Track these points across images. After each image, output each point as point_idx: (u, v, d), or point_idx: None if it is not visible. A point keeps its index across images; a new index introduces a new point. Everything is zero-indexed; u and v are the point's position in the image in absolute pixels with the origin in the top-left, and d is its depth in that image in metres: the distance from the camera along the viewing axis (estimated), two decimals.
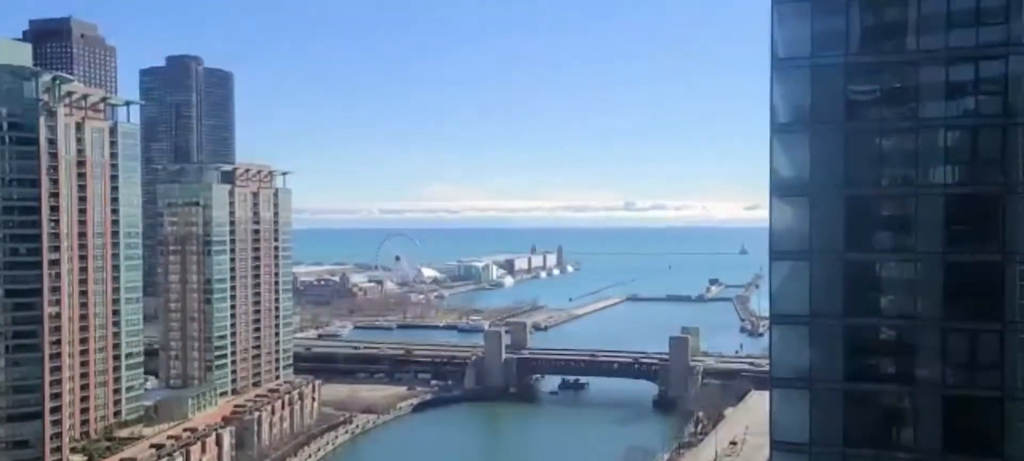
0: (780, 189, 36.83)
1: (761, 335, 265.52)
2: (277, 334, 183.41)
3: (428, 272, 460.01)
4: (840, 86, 35.97)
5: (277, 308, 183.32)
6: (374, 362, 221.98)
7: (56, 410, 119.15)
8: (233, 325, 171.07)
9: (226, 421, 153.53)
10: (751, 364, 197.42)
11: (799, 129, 36.59)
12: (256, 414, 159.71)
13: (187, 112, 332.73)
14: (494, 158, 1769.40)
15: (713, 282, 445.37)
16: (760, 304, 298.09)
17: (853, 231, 35.91)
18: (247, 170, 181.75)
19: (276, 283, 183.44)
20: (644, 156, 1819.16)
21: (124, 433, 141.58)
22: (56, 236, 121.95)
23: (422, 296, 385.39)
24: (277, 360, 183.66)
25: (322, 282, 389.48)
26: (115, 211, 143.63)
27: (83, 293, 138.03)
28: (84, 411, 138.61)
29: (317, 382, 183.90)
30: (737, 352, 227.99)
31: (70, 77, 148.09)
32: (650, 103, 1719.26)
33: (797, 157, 36.77)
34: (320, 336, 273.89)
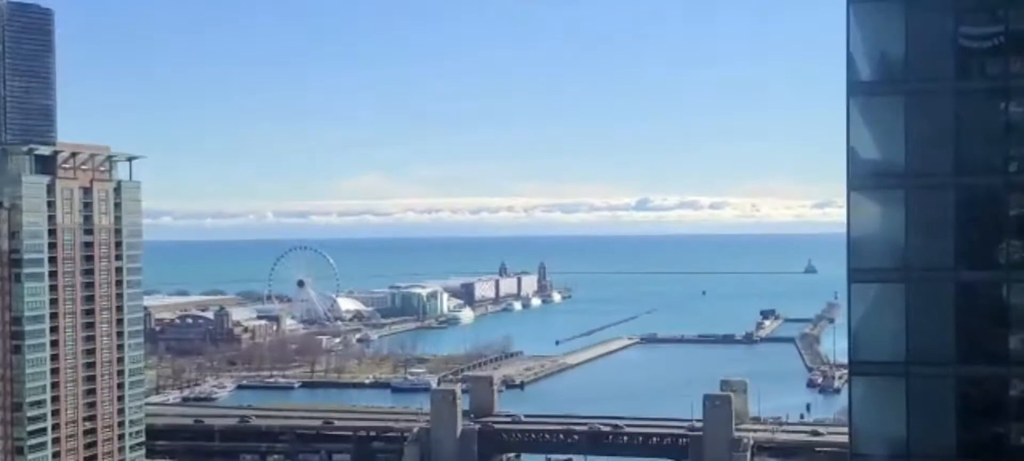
0: (861, 179, 36.91)
1: (837, 391, 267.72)
2: (121, 399, 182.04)
3: (347, 304, 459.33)
4: (948, 28, 36.36)
5: (121, 360, 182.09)
6: (268, 439, 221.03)
7: None
8: (55, 386, 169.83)
9: None
10: (823, 434, 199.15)
11: (888, 91, 36.82)
12: None
13: None
14: (445, 136, 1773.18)
15: (767, 315, 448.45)
16: (835, 346, 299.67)
17: (968, 239, 36.25)
18: (75, 154, 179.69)
19: (119, 322, 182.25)
20: (666, 132, 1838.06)
21: None
22: None
23: (339, 339, 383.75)
24: (121, 438, 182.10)
25: (190, 320, 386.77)
26: None
27: None
28: None
29: None
30: (803, 416, 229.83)
31: None
32: (673, 56, 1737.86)
33: (886, 132, 36.96)
34: (186, 400, 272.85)
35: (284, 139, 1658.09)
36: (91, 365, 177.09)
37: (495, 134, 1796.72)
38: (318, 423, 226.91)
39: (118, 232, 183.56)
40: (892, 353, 36.77)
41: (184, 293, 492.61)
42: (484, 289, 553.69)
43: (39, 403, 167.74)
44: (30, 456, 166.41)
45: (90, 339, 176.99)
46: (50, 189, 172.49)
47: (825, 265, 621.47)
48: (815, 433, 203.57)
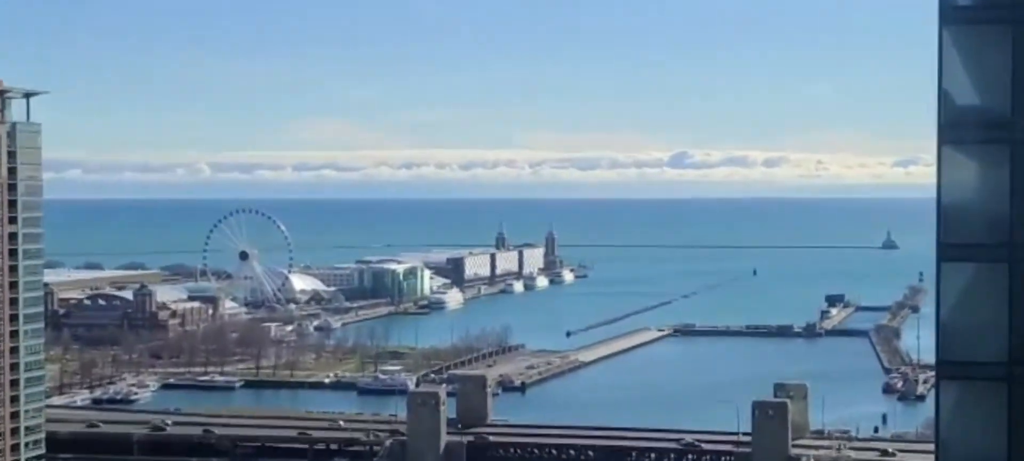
0: (956, 131, 36.71)
1: (921, 398, 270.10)
2: (15, 400, 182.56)
3: (302, 282, 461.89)
4: None
5: (15, 351, 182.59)
6: (200, 452, 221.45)
7: None
8: None
9: None
10: (902, 451, 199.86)
11: (993, 18, 36.76)
12: None
13: None
14: (428, 71, 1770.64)
15: (834, 301, 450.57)
16: (920, 341, 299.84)
17: None
18: None
19: (13, 302, 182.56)
20: (708, 68, 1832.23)
21: None
22: None
23: (291, 327, 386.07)
24: (15, 449, 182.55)
25: (102, 301, 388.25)
26: None
27: None
28: None
29: None
30: (878, 430, 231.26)
31: None
32: None
33: (988, 72, 36.89)
34: (98, 403, 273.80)
35: (224, 73, 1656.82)
36: None
37: (492, 69, 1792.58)
38: (264, 433, 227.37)
39: (12, 188, 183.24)
40: (992, 351, 36.74)
41: (96, 267, 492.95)
42: (476, 265, 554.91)
43: None
44: None
45: None
46: None
47: (908, 239, 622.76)
48: (889, 452, 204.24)
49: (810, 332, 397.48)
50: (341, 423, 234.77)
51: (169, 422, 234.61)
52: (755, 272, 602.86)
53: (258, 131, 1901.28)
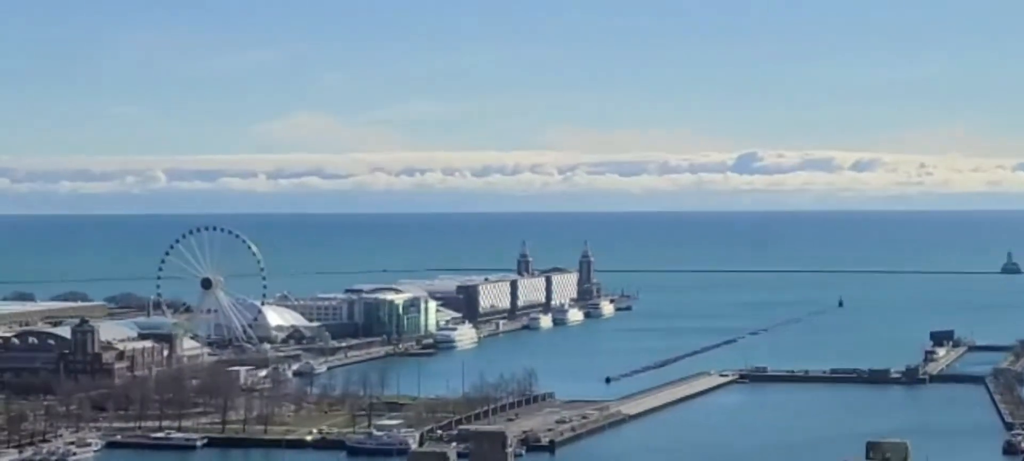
0: None
1: None
2: None
3: (278, 317, 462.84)
4: None
5: None
6: None
7: None
8: None
9: None
10: None
11: None
12: None
13: None
14: (435, 56, 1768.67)
15: (941, 339, 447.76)
16: None
17: None
18: None
19: None
20: (781, 53, 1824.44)
21: None
22: None
23: (266, 372, 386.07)
24: None
25: (33, 340, 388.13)
26: None
27: None
28: None
29: None
30: None
31: None
32: None
33: None
34: None
35: (182, 61, 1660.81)
36: None
37: (515, 54, 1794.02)
38: None
39: None
40: None
41: (26, 298, 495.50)
42: (494, 295, 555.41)
43: None
44: None
45: None
46: None
47: None
48: None
49: (911, 378, 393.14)
50: None
51: None
52: (841, 303, 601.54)
53: (223, 130, 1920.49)
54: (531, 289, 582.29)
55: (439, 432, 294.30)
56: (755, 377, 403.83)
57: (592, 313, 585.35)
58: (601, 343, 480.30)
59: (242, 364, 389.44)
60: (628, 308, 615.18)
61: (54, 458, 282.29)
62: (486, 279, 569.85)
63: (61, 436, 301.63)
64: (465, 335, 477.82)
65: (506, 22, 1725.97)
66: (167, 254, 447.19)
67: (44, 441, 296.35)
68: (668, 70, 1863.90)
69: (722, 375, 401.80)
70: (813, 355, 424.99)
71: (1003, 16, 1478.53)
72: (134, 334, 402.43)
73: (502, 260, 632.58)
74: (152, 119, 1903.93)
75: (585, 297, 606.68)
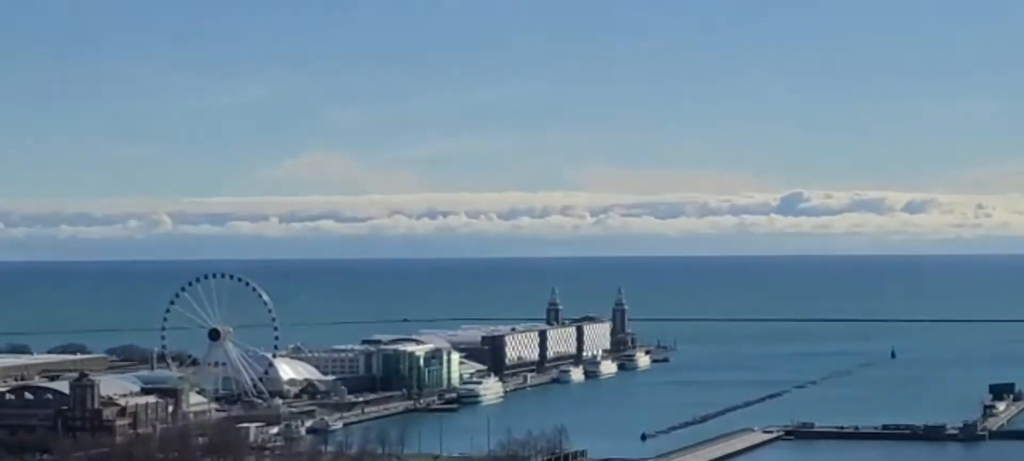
0: None
1: None
2: None
3: (290, 369, 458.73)
4: None
5: None
6: None
7: None
8: None
9: None
10: None
11: None
12: None
13: None
14: (456, 89, 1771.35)
15: (1002, 392, 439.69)
16: None
17: None
18: None
19: None
20: (829, 86, 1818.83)
21: None
22: None
23: (277, 429, 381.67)
24: None
25: (29, 395, 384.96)
26: None
27: None
28: None
29: None
30: None
31: None
32: None
33: None
34: None
35: (188, 97, 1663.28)
36: None
37: (543, 85, 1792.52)
38: None
39: None
40: None
41: (21, 350, 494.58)
42: (521, 346, 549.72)
43: None
44: None
45: None
46: None
47: None
48: None
49: (969, 434, 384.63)
50: None
51: None
52: (894, 354, 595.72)
53: (232, 171, 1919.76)
54: (561, 340, 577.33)
55: None
56: (802, 434, 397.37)
57: (626, 365, 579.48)
58: (636, 397, 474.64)
59: (252, 420, 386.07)
60: (665, 360, 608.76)
61: None
62: (513, 329, 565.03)
63: None
64: (491, 389, 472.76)
65: (535, 55, 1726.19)
66: (172, 303, 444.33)
67: None
68: (707, 105, 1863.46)
69: (766, 431, 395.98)
70: (864, 410, 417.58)
71: None
72: (137, 389, 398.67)
73: (530, 309, 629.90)
74: (156, 159, 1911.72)
75: (619, 348, 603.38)
